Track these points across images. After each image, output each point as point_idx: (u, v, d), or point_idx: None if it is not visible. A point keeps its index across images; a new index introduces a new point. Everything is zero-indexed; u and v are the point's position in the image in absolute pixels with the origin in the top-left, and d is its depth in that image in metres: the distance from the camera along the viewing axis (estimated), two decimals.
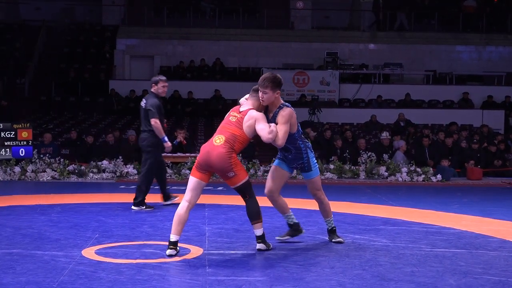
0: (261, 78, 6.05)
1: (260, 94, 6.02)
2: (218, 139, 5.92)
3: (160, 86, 9.01)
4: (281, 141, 5.95)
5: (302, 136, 6.28)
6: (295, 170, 6.82)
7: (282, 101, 6.17)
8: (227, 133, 5.95)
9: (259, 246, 6.03)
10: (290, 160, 6.29)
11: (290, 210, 6.54)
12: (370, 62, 24.47)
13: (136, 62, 24.68)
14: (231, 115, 6.12)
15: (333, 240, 6.51)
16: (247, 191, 5.97)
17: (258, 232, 6.02)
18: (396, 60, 24.32)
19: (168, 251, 5.79)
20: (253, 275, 5.17)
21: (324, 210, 6.50)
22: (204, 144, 6.09)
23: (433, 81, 24.09)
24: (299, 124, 6.26)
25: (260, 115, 5.97)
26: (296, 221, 6.59)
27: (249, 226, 5.80)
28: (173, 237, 5.82)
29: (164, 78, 9.20)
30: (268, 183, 6.40)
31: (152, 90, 9.10)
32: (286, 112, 6.01)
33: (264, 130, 5.86)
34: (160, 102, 9.07)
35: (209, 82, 22.87)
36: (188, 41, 25.03)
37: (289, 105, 6.16)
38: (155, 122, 8.84)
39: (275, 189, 6.38)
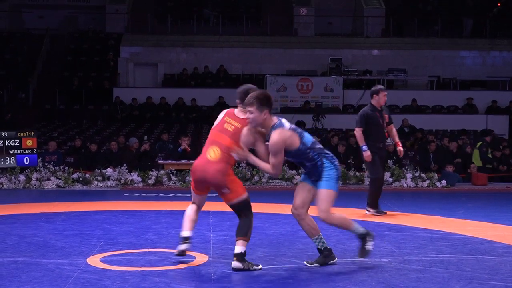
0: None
1: (247, 113, 5.42)
2: (212, 152, 5.54)
3: (382, 96, 9.01)
4: (274, 172, 5.43)
5: (316, 146, 5.55)
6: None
7: (275, 120, 5.46)
8: (222, 145, 5.52)
9: (234, 264, 5.44)
10: (310, 174, 5.65)
11: (320, 232, 5.76)
12: (374, 68, 24.51)
13: (140, 70, 24.76)
14: (227, 122, 5.61)
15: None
16: (242, 210, 5.56)
17: (238, 249, 5.43)
18: (399, 65, 24.35)
19: (182, 247, 5.64)
20: (259, 282, 5.15)
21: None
22: (197, 160, 5.65)
23: (437, 86, 24.10)
24: (304, 135, 5.52)
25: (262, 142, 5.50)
26: (328, 246, 5.81)
27: (253, 233, 5.76)
28: (185, 233, 5.67)
29: (382, 87, 9.21)
30: (294, 199, 5.73)
31: (372, 101, 9.08)
32: (274, 141, 5.33)
33: (267, 166, 5.45)
34: (374, 112, 9.04)
35: (212, 89, 22.92)
36: (192, 49, 25.10)
37: (283, 124, 5.44)
38: (355, 131, 9.08)
39: (299, 205, 5.66)
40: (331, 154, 5.69)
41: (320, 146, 5.67)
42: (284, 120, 5.52)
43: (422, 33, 26.20)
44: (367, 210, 9.19)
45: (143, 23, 25.90)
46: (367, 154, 8.91)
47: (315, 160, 5.55)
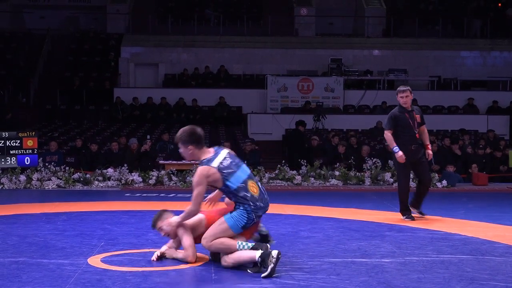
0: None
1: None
2: None
3: (399, 97, 8.75)
4: (192, 206, 5.58)
5: (239, 194, 5.56)
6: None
7: (207, 156, 5.64)
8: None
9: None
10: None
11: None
12: (375, 68, 24.52)
13: (140, 70, 24.76)
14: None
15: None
16: None
17: None
18: (400, 66, 24.36)
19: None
20: (259, 283, 5.15)
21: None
22: None
23: (438, 86, 24.09)
24: (230, 178, 5.55)
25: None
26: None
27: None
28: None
29: (402, 88, 8.79)
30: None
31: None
32: (195, 175, 5.59)
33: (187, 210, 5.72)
34: (401, 113, 8.72)
35: (213, 89, 22.92)
36: (193, 49, 25.11)
37: (211, 161, 5.57)
38: (384, 134, 8.84)
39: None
40: (253, 207, 5.56)
41: (247, 194, 5.56)
42: (219, 157, 5.62)
43: (422, 33, 26.20)
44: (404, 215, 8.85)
45: (144, 23, 25.91)
46: (399, 155, 8.56)
47: (235, 204, 5.63)
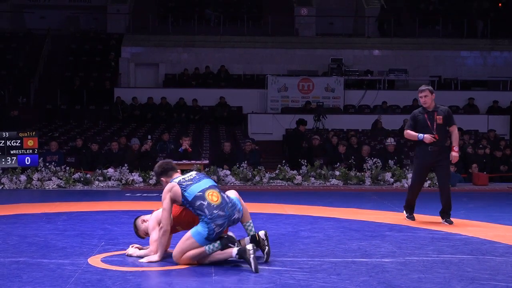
0: None
1: None
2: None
3: (419, 97, 8.68)
4: (163, 221, 5.79)
5: (196, 203, 5.67)
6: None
7: (173, 177, 5.98)
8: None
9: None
10: None
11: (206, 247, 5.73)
12: (375, 68, 24.51)
13: (141, 70, 24.77)
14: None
15: None
16: None
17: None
18: (401, 66, 24.37)
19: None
20: (259, 283, 5.15)
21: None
22: None
23: (438, 86, 24.07)
24: (187, 189, 5.73)
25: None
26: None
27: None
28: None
29: (421, 88, 8.66)
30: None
31: None
32: (163, 192, 5.86)
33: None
34: (420, 113, 8.60)
35: (214, 89, 22.92)
36: (193, 49, 25.11)
37: (172, 179, 5.91)
38: (404, 133, 8.80)
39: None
40: (209, 216, 5.63)
41: (204, 202, 5.66)
42: (184, 176, 5.93)
43: (422, 33, 26.20)
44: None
45: (145, 23, 25.92)
46: (426, 137, 8.36)
47: (197, 215, 5.74)
